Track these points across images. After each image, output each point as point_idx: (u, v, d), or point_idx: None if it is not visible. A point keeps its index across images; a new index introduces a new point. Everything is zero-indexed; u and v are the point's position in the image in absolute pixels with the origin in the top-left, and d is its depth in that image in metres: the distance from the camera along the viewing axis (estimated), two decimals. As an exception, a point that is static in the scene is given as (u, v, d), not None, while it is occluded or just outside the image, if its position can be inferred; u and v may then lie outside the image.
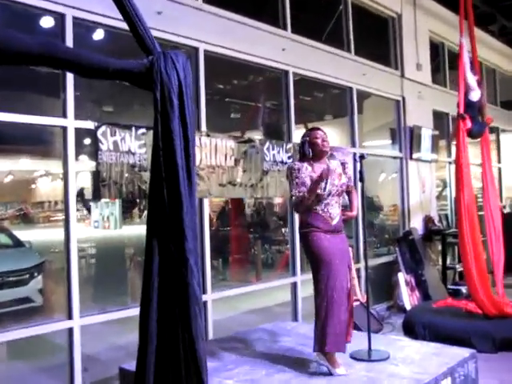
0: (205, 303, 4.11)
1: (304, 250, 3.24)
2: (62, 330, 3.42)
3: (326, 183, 3.12)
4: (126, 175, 3.54)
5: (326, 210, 3.15)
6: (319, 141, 3.23)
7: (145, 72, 2.09)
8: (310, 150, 3.22)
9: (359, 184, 3.39)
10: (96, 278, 8.49)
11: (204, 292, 4.15)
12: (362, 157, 3.39)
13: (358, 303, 4.85)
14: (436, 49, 7.82)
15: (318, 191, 3.10)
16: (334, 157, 3.30)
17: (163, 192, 2.10)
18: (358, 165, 3.43)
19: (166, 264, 2.12)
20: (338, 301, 3.00)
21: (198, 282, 2.10)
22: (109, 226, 20.22)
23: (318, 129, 3.33)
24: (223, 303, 5.22)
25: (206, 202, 4.24)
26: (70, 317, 3.42)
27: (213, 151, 4.16)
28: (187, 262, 2.08)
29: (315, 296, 3.07)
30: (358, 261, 5.84)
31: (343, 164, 3.34)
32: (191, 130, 2.16)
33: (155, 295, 2.10)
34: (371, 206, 7.78)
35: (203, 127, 4.21)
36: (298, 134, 5.19)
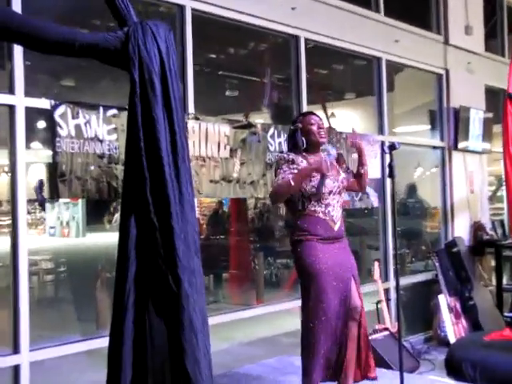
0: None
1: (294, 263, 3.31)
2: (5, 369, 3.33)
3: (323, 180, 3.20)
4: (92, 168, 3.55)
5: (327, 212, 3.22)
6: (315, 128, 3.29)
7: (120, 48, 2.12)
8: (304, 140, 3.27)
9: (388, 180, 3.41)
10: (52, 299, 8.52)
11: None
12: (392, 147, 3.41)
13: (386, 333, 4.86)
14: (492, 6, 7.79)
15: (309, 187, 3.17)
16: (327, 149, 3.36)
17: (145, 194, 2.14)
18: (388, 157, 3.45)
19: (145, 282, 2.15)
20: (327, 325, 3.09)
21: (194, 307, 2.11)
22: (69, 233, 20.28)
23: (313, 113, 3.41)
24: (215, 332, 5.21)
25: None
26: (16, 350, 3.34)
27: (202, 139, 4.17)
28: (181, 283, 2.10)
29: (302, 319, 3.17)
30: (386, 279, 5.85)
31: (338, 155, 3.44)
32: (178, 117, 2.19)
33: (130, 322, 2.12)
34: (413, 210, 7.77)
35: (190, 108, 4.22)
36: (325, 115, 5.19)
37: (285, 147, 4.46)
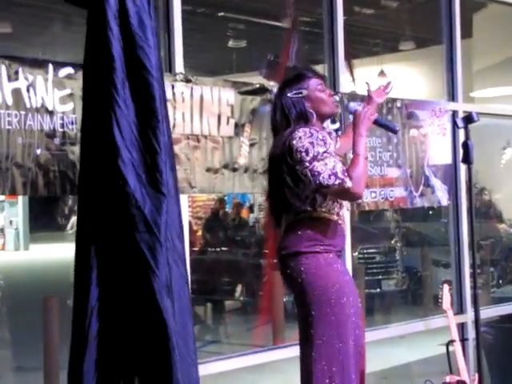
0: None
1: (292, 287, 3.33)
2: None
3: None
4: (38, 152, 3.56)
5: (341, 214, 3.29)
6: (324, 95, 3.32)
7: None
8: (313, 111, 3.30)
9: (462, 168, 3.41)
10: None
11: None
12: (468, 119, 3.41)
13: (461, 388, 4.84)
14: None
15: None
16: (351, 108, 3.41)
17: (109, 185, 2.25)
18: (462, 133, 3.45)
19: (112, 306, 2.23)
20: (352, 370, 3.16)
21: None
22: (4, 244, 20.40)
23: (317, 74, 3.44)
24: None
25: (183, 201, 4.25)
26: None
27: (196, 109, 4.18)
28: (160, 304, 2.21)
29: (305, 365, 3.27)
30: (461, 310, 5.85)
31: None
32: (156, 79, 2.30)
33: (91, 360, 2.20)
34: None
35: (178, 66, 4.22)
36: (350, 77, 5.17)
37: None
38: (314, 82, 3.34)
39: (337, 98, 3.34)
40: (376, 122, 3.28)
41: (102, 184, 2.26)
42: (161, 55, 2.36)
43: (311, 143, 3.13)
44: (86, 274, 2.23)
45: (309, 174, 3.10)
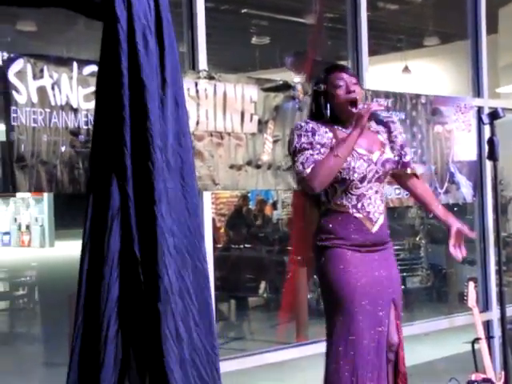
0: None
1: (318, 279, 3.42)
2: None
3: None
4: (63, 149, 3.58)
5: (361, 206, 3.25)
6: (341, 91, 3.29)
7: None
8: (328, 107, 3.32)
9: (488, 164, 3.39)
10: (6, 336, 8.66)
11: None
12: (494, 115, 3.38)
13: (487, 386, 4.81)
14: None
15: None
16: (378, 115, 3.37)
17: (124, 187, 2.26)
18: (488, 129, 3.42)
19: (131, 308, 2.25)
20: (362, 368, 3.16)
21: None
22: (30, 241, 20.54)
23: (342, 68, 3.41)
24: (238, 382, 5.24)
25: (206, 197, 4.27)
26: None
27: (219, 106, 4.18)
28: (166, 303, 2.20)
29: (326, 351, 3.30)
30: (486, 307, 5.82)
31: (386, 124, 3.42)
32: (176, 82, 2.32)
33: (110, 363, 2.20)
34: None
35: (201, 63, 4.23)
36: (373, 73, 5.15)
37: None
38: (333, 77, 3.32)
39: (354, 97, 3.26)
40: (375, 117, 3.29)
41: (110, 180, 2.28)
42: (163, 75, 2.38)
43: (299, 135, 3.25)
44: (102, 271, 2.25)
45: (293, 164, 3.26)
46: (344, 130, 3.30)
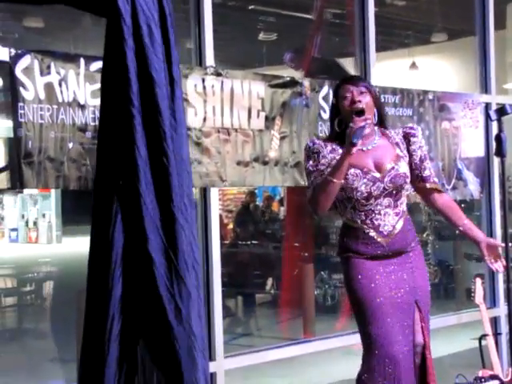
0: (211, 377, 4.15)
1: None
2: None
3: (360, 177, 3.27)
4: (71, 146, 3.59)
5: (370, 221, 3.30)
6: (347, 102, 3.30)
7: None
8: (338, 121, 3.36)
9: (495, 161, 3.38)
10: (14, 332, 8.68)
11: (209, 357, 4.17)
12: (501, 111, 3.37)
13: (495, 382, 4.80)
14: None
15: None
16: (403, 128, 3.48)
17: (136, 183, 2.24)
18: (495, 125, 3.41)
19: (135, 306, 2.25)
20: (383, 373, 3.19)
21: (200, 347, 2.24)
22: (38, 237, 20.59)
23: (348, 80, 3.41)
24: (245, 377, 5.26)
25: (213, 194, 4.27)
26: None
27: (226, 103, 4.18)
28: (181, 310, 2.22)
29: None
30: (494, 304, 5.81)
31: (406, 137, 3.42)
32: (177, 79, 2.31)
33: (113, 363, 2.21)
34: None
35: (208, 60, 4.23)
36: (381, 70, 5.14)
37: None
38: (341, 90, 3.34)
39: (359, 106, 3.25)
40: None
41: (119, 176, 2.28)
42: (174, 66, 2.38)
43: (307, 157, 3.36)
44: (107, 269, 2.25)
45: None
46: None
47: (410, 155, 3.40)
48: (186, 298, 2.25)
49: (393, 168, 3.30)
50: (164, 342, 2.25)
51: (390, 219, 3.30)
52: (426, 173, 3.42)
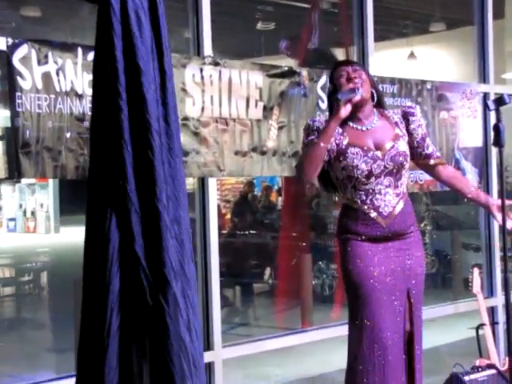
0: (208, 366, 4.17)
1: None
2: None
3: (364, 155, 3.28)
4: (68, 136, 3.58)
5: (369, 202, 3.30)
6: (343, 80, 3.33)
7: None
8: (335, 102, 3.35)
9: (493, 151, 3.38)
10: (12, 321, 8.69)
11: (207, 347, 4.20)
12: (499, 101, 3.36)
13: (491, 372, 4.82)
14: None
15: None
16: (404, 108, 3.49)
17: (124, 169, 2.23)
18: (493, 115, 3.41)
19: (134, 299, 2.24)
20: (376, 359, 3.19)
21: (187, 325, 2.23)
22: (35, 227, 20.59)
23: (343, 62, 3.50)
24: (243, 367, 5.27)
25: (211, 184, 4.27)
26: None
27: (224, 92, 4.18)
28: (167, 289, 2.21)
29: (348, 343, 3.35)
30: (491, 293, 5.83)
31: (405, 116, 3.44)
32: (168, 68, 2.31)
33: (113, 358, 2.22)
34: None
35: (206, 49, 4.22)
36: (379, 59, 5.13)
37: None
38: (336, 72, 3.38)
39: (351, 85, 3.26)
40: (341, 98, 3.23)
41: (110, 169, 2.27)
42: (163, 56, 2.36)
43: (306, 134, 3.37)
44: (104, 262, 2.25)
45: None
46: (355, 124, 3.34)
47: (411, 134, 3.41)
48: (172, 303, 2.23)
49: (392, 147, 3.31)
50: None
51: (390, 199, 3.30)
52: (430, 150, 3.45)
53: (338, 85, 3.32)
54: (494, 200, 3.48)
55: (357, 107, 3.30)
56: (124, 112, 2.24)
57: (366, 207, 3.29)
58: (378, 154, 3.28)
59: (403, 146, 3.35)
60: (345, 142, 3.29)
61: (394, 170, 3.31)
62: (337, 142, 3.28)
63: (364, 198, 3.29)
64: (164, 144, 2.28)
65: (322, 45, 6.70)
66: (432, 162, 3.46)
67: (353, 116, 3.32)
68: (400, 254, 3.33)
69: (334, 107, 3.29)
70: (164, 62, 2.31)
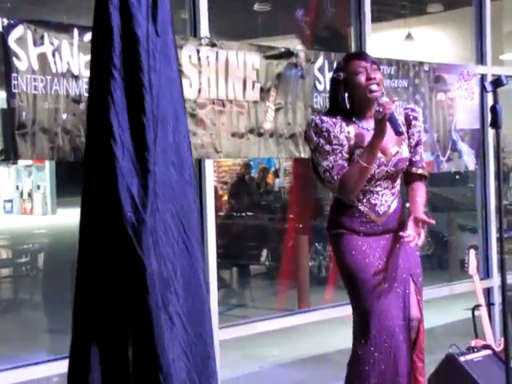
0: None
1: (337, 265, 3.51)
2: None
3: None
4: (65, 117, 3.58)
5: (366, 200, 3.30)
6: (362, 78, 3.25)
7: None
8: (347, 97, 3.30)
9: (490, 132, 3.38)
10: (10, 303, 8.72)
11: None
12: (497, 82, 3.37)
13: (487, 352, 4.85)
14: None
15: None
16: (405, 110, 3.47)
17: (112, 153, 2.25)
18: (490, 97, 3.41)
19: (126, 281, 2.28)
20: (379, 347, 3.22)
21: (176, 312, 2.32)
22: (32, 209, 20.60)
23: (360, 55, 3.42)
24: (241, 348, 5.29)
25: (208, 165, 4.28)
26: None
27: (221, 74, 4.17)
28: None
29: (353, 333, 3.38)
30: (487, 275, 5.85)
31: (408, 119, 3.42)
32: (146, 48, 2.31)
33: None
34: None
35: (203, 30, 4.21)
36: (376, 40, 5.12)
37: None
38: (353, 65, 3.29)
39: (374, 87, 3.22)
40: (390, 119, 3.15)
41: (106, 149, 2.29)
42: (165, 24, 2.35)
43: (316, 134, 3.27)
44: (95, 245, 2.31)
45: (311, 164, 3.36)
46: (360, 123, 3.31)
47: (408, 137, 3.40)
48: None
49: (397, 152, 3.31)
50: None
51: (386, 199, 3.33)
52: (417, 157, 3.43)
53: (355, 81, 3.25)
54: (418, 213, 3.29)
55: (367, 105, 3.28)
56: (118, 83, 2.25)
57: (361, 205, 3.30)
58: (382, 159, 3.27)
59: (406, 150, 3.36)
60: (352, 143, 3.27)
61: (394, 175, 3.34)
62: (350, 144, 3.26)
63: (361, 197, 3.29)
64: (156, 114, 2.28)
65: (333, 24, 6.67)
66: (414, 170, 3.42)
67: (360, 113, 3.30)
68: (395, 242, 3.33)
69: (339, 99, 3.29)
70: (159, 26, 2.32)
